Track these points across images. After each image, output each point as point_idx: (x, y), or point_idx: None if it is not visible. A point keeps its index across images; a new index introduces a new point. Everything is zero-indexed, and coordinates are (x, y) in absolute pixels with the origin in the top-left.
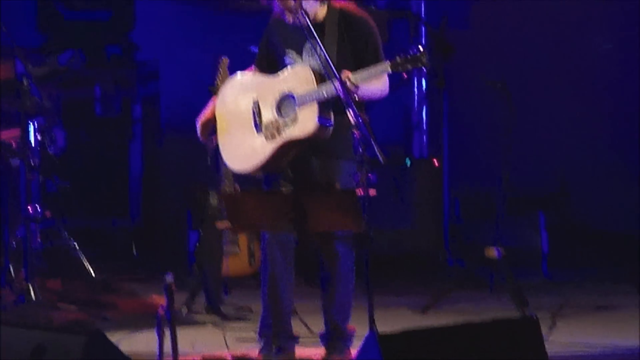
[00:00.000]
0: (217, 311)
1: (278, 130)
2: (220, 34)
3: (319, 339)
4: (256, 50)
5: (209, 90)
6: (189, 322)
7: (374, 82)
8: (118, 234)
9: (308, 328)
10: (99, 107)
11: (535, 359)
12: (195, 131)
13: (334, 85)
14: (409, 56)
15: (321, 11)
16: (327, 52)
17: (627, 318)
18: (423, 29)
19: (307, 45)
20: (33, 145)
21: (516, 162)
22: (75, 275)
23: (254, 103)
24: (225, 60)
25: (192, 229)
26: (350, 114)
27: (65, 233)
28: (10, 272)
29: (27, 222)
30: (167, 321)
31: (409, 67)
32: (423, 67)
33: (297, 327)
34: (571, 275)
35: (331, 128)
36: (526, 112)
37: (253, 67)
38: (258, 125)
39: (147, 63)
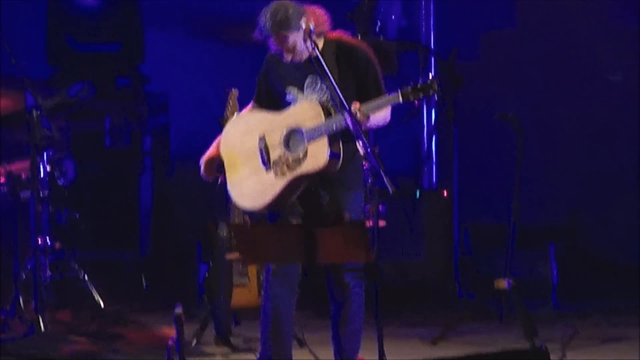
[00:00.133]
0: (226, 342)
1: (288, 166)
2: (229, 65)
3: None
4: None
5: (219, 122)
6: (199, 354)
7: (381, 111)
8: (128, 266)
9: None
10: (108, 139)
11: None
12: None
13: (344, 117)
14: (419, 85)
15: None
16: (329, 85)
17: (637, 350)
18: (433, 60)
19: (308, 81)
20: (43, 177)
21: (526, 194)
22: (85, 307)
23: (260, 139)
24: (234, 92)
25: (202, 260)
26: (359, 145)
27: (75, 265)
28: (20, 303)
29: (37, 253)
30: (177, 353)
31: (420, 95)
32: (434, 94)
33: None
34: (581, 307)
35: (340, 161)
36: (536, 144)
37: (252, 103)
38: (266, 162)
39: (156, 95)
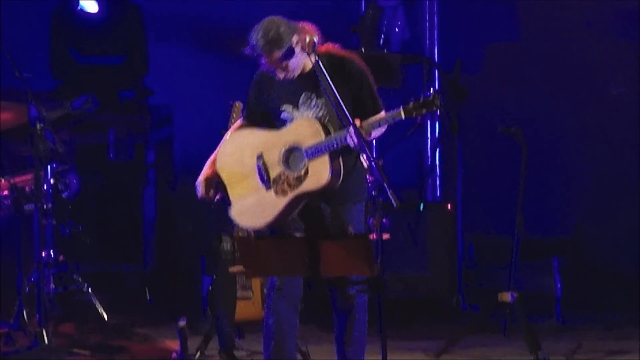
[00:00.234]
0: (230, 356)
1: (289, 184)
2: (233, 78)
3: None
4: None
5: (222, 135)
6: None
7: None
8: (131, 279)
9: None
10: (112, 152)
11: None
12: None
13: (347, 133)
14: (421, 100)
15: (309, 61)
16: (324, 99)
17: None
18: (437, 73)
19: (303, 98)
20: (46, 189)
21: (530, 207)
22: (89, 320)
23: (258, 157)
24: (238, 105)
25: (206, 273)
26: (363, 159)
27: (79, 277)
28: (23, 316)
29: (41, 266)
30: None
31: (423, 111)
32: (437, 110)
33: None
34: (585, 320)
35: (341, 177)
36: (540, 157)
37: (241, 121)
38: (266, 181)
39: (160, 108)
